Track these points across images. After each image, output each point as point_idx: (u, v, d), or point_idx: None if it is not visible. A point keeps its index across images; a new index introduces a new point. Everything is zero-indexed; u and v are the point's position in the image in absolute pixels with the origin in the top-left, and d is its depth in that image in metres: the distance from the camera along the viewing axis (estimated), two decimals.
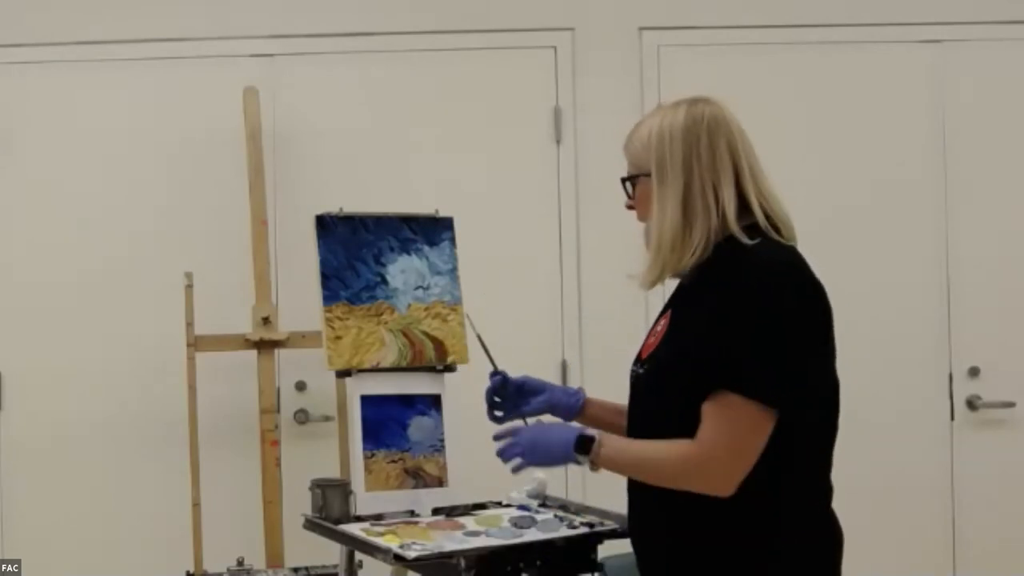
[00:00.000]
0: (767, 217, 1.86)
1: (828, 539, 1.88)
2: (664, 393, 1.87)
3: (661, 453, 1.83)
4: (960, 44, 3.64)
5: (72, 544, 3.44)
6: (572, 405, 2.21)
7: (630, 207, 1.98)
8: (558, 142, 3.59)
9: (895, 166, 3.62)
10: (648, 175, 1.90)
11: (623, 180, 1.97)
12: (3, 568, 3.25)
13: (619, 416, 2.13)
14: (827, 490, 1.90)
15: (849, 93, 3.63)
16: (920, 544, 3.57)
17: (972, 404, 3.60)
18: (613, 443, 1.90)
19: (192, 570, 3.06)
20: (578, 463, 1.92)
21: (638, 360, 1.98)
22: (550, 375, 3.48)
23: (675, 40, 3.62)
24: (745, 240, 1.82)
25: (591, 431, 1.95)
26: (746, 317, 1.75)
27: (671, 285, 1.98)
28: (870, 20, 3.63)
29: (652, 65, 3.60)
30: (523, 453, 2.00)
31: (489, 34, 3.61)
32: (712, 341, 1.78)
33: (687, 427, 1.80)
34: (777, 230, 1.87)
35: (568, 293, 3.59)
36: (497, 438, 2.08)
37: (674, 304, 1.96)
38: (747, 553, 1.81)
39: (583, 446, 1.90)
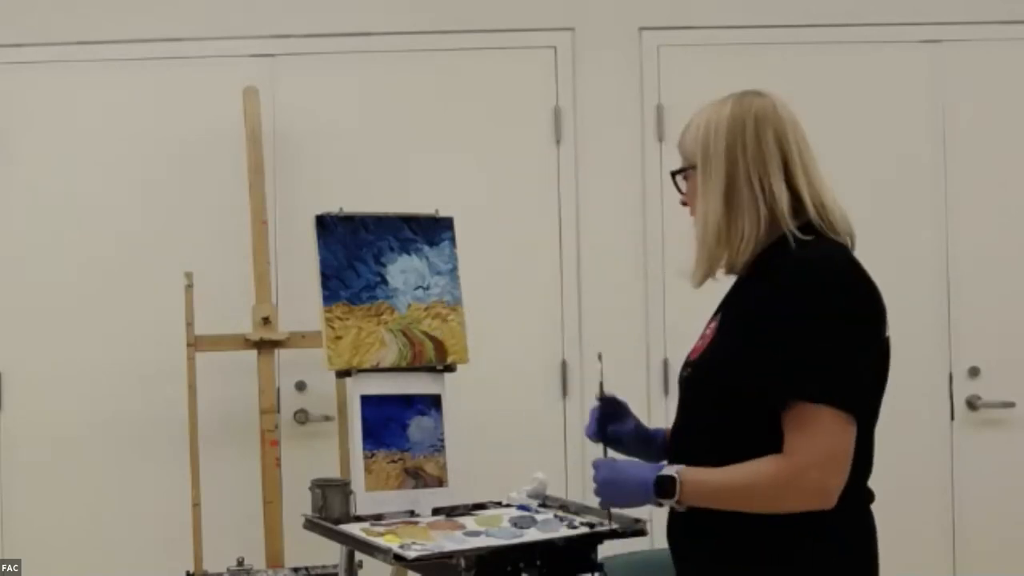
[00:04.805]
0: (820, 213, 1.82)
1: (866, 537, 1.87)
2: (711, 398, 1.82)
3: (750, 476, 1.72)
4: (959, 44, 3.63)
5: (72, 544, 3.44)
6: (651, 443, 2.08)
7: (684, 203, 1.94)
8: (558, 142, 3.59)
9: (895, 166, 3.62)
10: (695, 168, 1.87)
11: (672, 174, 1.95)
12: (3, 568, 3.25)
13: None
14: (868, 494, 1.87)
15: (848, 93, 3.62)
16: (920, 544, 3.56)
17: (972, 404, 3.60)
18: (694, 477, 1.76)
19: (192, 570, 3.06)
20: (660, 505, 1.80)
21: (687, 362, 1.92)
22: (550, 375, 3.49)
23: (675, 40, 3.62)
24: (796, 237, 1.77)
25: (668, 469, 1.78)
26: (802, 321, 1.70)
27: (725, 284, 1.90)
28: (869, 20, 3.63)
29: (652, 65, 3.60)
30: (597, 491, 1.90)
31: (489, 34, 3.61)
32: (766, 349, 1.71)
33: (734, 433, 1.77)
34: (831, 226, 1.83)
35: (568, 293, 3.58)
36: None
37: (726, 305, 1.90)
38: (791, 551, 1.76)
39: (664, 489, 1.76)
